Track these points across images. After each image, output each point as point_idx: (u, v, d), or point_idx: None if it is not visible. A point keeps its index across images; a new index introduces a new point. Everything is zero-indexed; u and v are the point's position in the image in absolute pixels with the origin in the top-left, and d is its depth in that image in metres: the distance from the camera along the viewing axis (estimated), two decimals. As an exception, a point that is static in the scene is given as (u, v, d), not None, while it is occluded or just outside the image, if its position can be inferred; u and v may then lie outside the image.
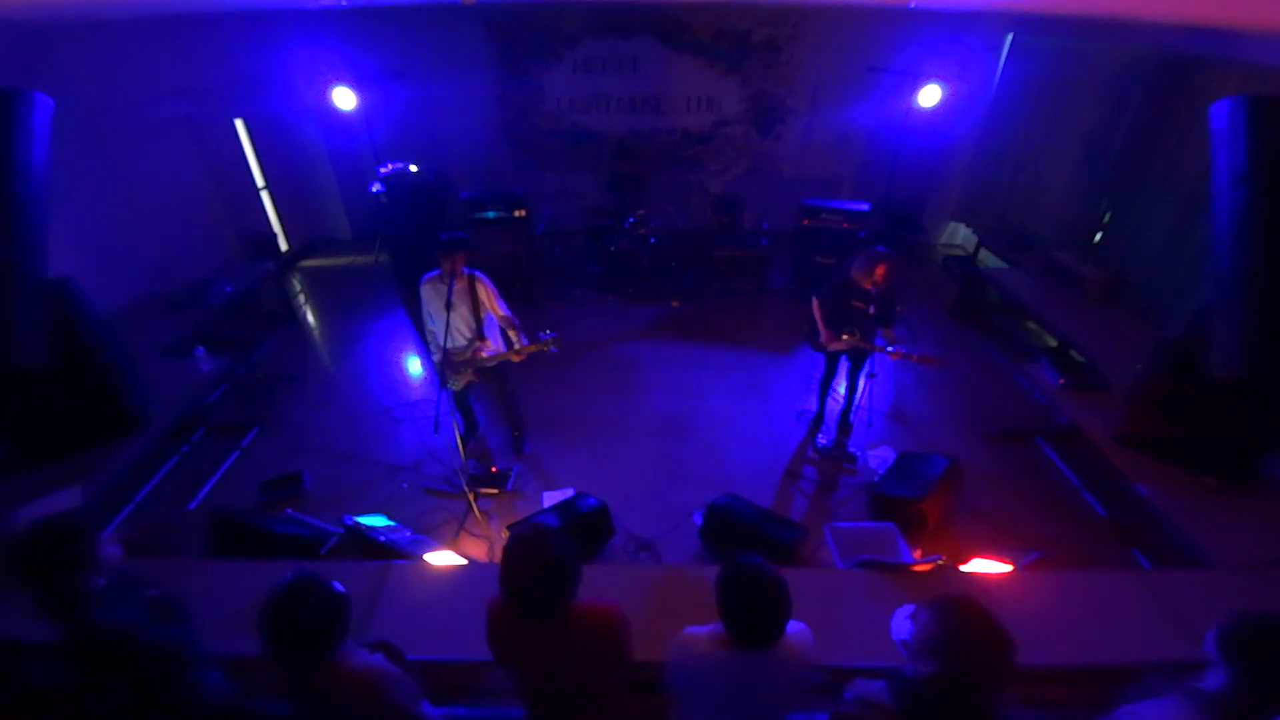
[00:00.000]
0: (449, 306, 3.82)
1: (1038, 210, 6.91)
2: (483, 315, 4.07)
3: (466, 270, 3.97)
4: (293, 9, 6.53)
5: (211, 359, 4.68)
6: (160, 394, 4.14)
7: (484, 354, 4.13)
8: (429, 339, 4.15)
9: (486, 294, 4.04)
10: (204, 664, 1.99)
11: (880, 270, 3.98)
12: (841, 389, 4.94)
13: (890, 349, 4.10)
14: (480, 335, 4.10)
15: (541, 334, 3.86)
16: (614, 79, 7.92)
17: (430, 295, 3.99)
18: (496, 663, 1.94)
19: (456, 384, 4.25)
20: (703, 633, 1.88)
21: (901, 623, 1.65)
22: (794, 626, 1.87)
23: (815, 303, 4.44)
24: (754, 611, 1.74)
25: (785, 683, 1.84)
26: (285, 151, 8.07)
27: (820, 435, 4.85)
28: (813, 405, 5.00)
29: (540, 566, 1.75)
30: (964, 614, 1.51)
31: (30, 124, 2.93)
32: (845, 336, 4.23)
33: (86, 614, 1.82)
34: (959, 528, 3.94)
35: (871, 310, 4.09)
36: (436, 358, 4.12)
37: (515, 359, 4.02)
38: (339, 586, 1.76)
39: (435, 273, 3.98)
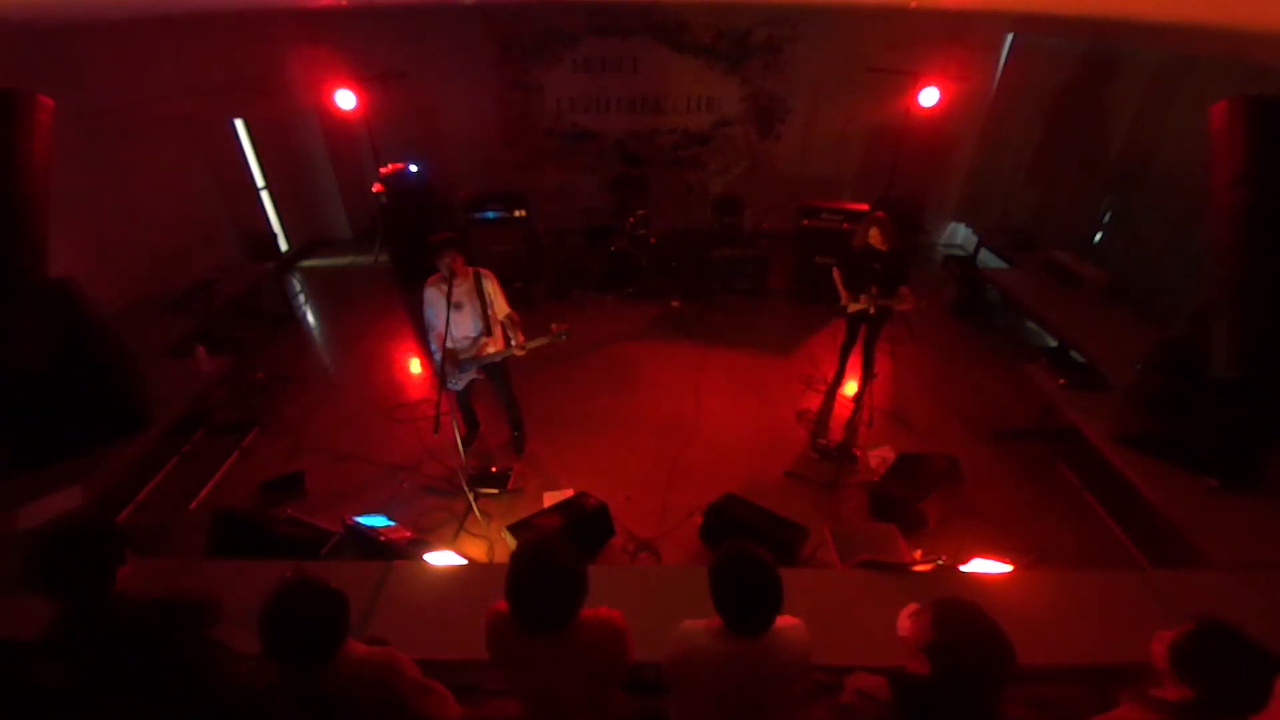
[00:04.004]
0: (456, 306, 3.92)
1: (1038, 210, 6.91)
2: (491, 312, 4.08)
3: (473, 269, 4.00)
4: (293, 9, 6.54)
5: (211, 359, 4.68)
6: (160, 394, 4.13)
7: (489, 350, 4.14)
8: (432, 340, 4.13)
9: (494, 290, 4.05)
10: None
11: (873, 233, 4.43)
12: (848, 389, 5.05)
13: (904, 300, 4.48)
14: (488, 332, 4.11)
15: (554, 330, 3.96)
16: (614, 79, 7.92)
17: (433, 297, 3.98)
18: (497, 669, 1.93)
19: (459, 383, 4.25)
20: (700, 624, 1.89)
21: (903, 622, 1.66)
22: (789, 621, 1.88)
23: (835, 271, 4.75)
24: (746, 594, 1.75)
25: (782, 674, 1.85)
26: (285, 151, 8.06)
27: (820, 436, 4.85)
28: (813, 405, 5.02)
29: (550, 580, 1.72)
30: (962, 619, 1.52)
31: (31, 124, 2.93)
32: (863, 297, 4.53)
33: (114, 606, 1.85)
34: (959, 528, 3.94)
35: (883, 269, 4.49)
36: (438, 357, 4.12)
37: (519, 353, 4.03)
38: (336, 588, 1.76)
39: (437, 274, 3.99)
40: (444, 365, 4.08)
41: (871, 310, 4.58)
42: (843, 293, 4.69)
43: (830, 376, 5.29)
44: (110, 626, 1.82)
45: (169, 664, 1.87)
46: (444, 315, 3.84)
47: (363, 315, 6.86)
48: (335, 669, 1.70)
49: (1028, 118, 7.02)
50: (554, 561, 1.74)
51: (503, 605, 1.81)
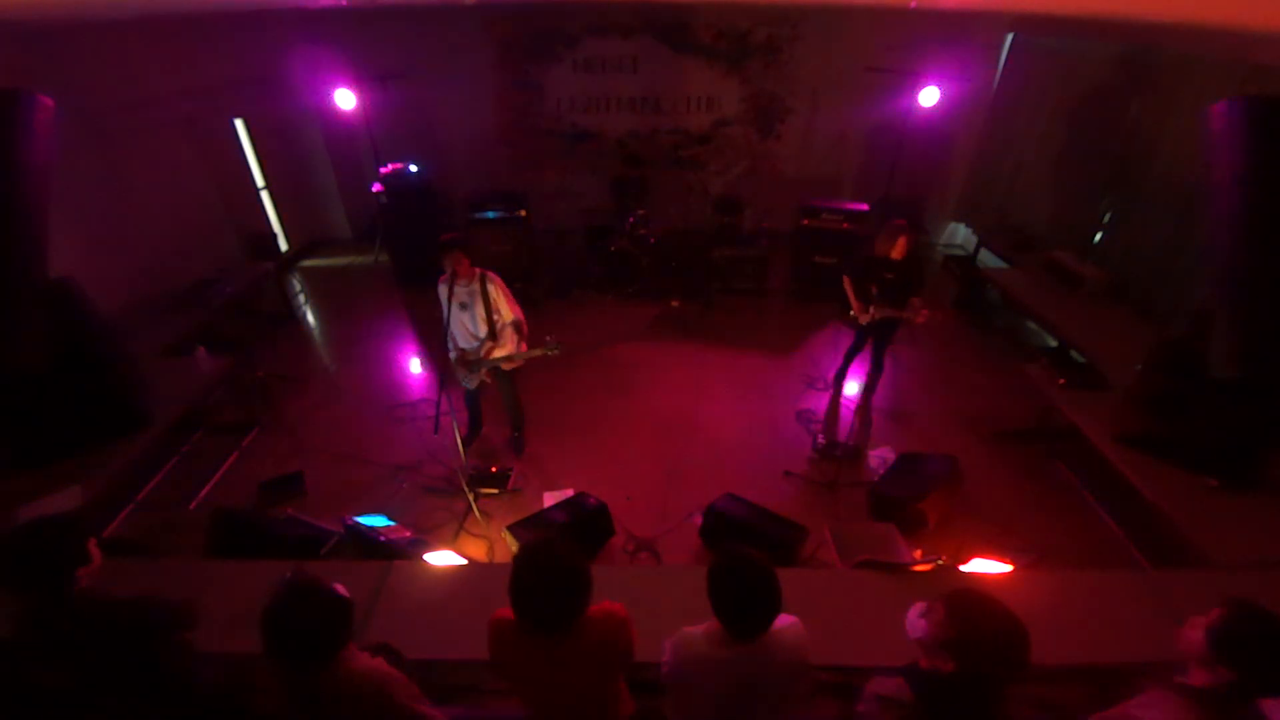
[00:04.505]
0: (462, 307, 3.96)
1: (1038, 210, 6.91)
2: (496, 316, 4.08)
3: (478, 270, 4.00)
4: (293, 9, 6.54)
5: (211, 359, 4.69)
6: (160, 394, 4.14)
7: (496, 354, 4.14)
8: (448, 338, 4.21)
9: (498, 294, 4.05)
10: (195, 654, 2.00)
11: (902, 241, 4.31)
12: (852, 389, 5.03)
13: (917, 313, 4.33)
14: (493, 336, 4.11)
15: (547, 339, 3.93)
16: (614, 79, 7.92)
17: (442, 296, 4.02)
18: (501, 678, 1.93)
19: (471, 383, 4.27)
20: (698, 631, 1.89)
21: (914, 622, 1.65)
22: (787, 620, 1.88)
23: (846, 280, 4.66)
24: (743, 598, 1.74)
25: (780, 677, 1.85)
26: (285, 151, 8.07)
27: (820, 435, 4.85)
28: (812, 405, 5.01)
29: (555, 581, 1.70)
30: (979, 610, 1.52)
31: (31, 124, 2.93)
32: (872, 308, 4.44)
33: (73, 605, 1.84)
34: (959, 528, 3.94)
35: (899, 279, 4.38)
36: (453, 356, 4.16)
37: (505, 367, 4.04)
38: (341, 589, 1.75)
39: (444, 275, 4.01)
40: (457, 365, 4.12)
41: (878, 317, 4.48)
42: (855, 303, 4.60)
43: (832, 377, 5.28)
44: (72, 625, 1.81)
45: (141, 665, 1.86)
46: (453, 315, 3.92)
47: (363, 315, 6.86)
48: (334, 673, 1.70)
49: (1027, 117, 7.02)
50: (558, 562, 1.72)
51: (505, 612, 1.81)
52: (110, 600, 1.91)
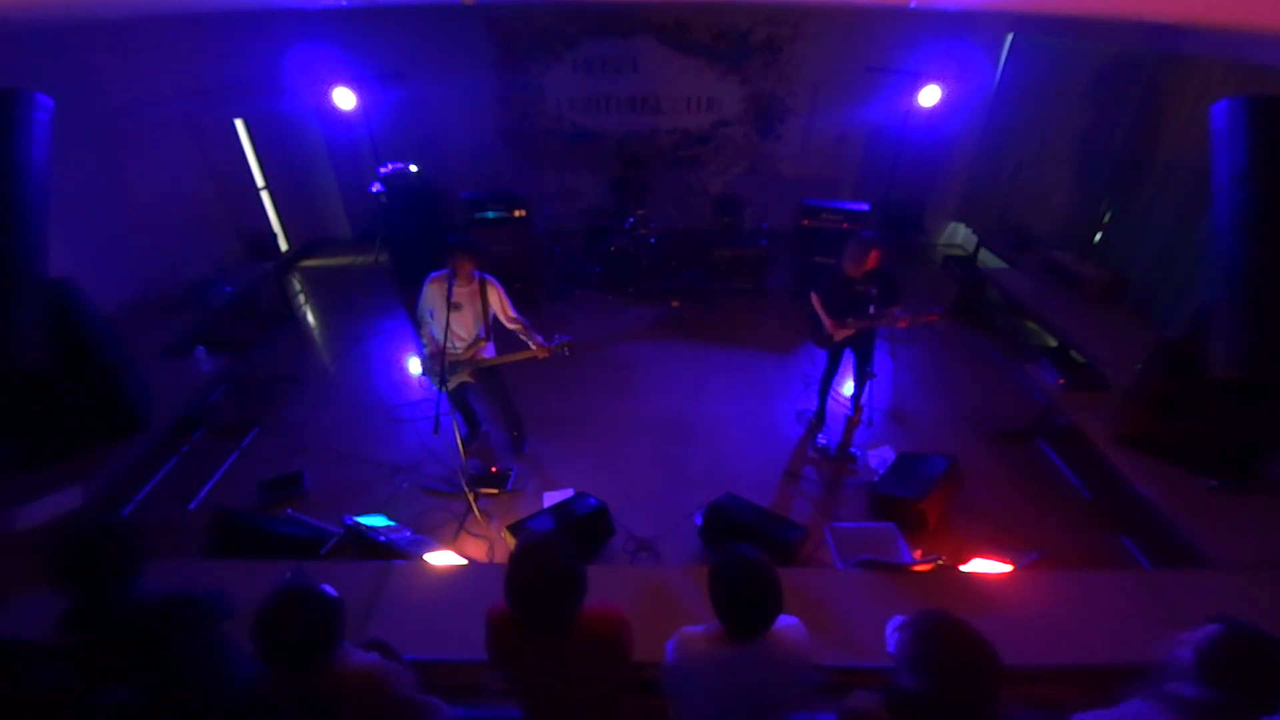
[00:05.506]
0: (455, 307, 3.88)
1: (1038, 210, 6.91)
2: (489, 319, 4.08)
3: (477, 274, 3.98)
4: (293, 9, 6.54)
5: (211, 359, 4.69)
6: (160, 394, 4.13)
7: (482, 355, 4.14)
8: (423, 336, 4.17)
9: (497, 299, 4.04)
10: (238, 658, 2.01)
11: (872, 256, 4.08)
12: (845, 389, 4.97)
13: (897, 316, 4.19)
14: (485, 336, 4.11)
15: (557, 337, 3.92)
16: (614, 79, 7.92)
17: (433, 294, 3.98)
18: (499, 669, 1.93)
19: (450, 383, 4.25)
20: (699, 631, 1.89)
21: (890, 635, 1.64)
22: (787, 621, 1.87)
23: (815, 297, 4.49)
24: (745, 599, 1.74)
25: (782, 677, 1.84)
26: (285, 151, 8.07)
27: (820, 435, 4.85)
28: (813, 405, 5.00)
29: (551, 581, 1.71)
30: (943, 634, 1.50)
31: (30, 124, 2.92)
32: (850, 321, 4.28)
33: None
34: (959, 528, 3.94)
35: (873, 292, 4.20)
36: (428, 350, 4.11)
37: (543, 355, 3.98)
38: (330, 591, 1.75)
39: (441, 272, 3.97)
40: (432, 364, 4.10)
41: (853, 331, 4.32)
42: (827, 320, 4.38)
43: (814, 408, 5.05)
44: (119, 624, 1.83)
45: (174, 660, 1.87)
46: (442, 314, 3.85)
47: (363, 315, 6.86)
48: (329, 675, 1.70)
49: (1028, 118, 7.02)
50: (552, 562, 1.73)
51: (504, 604, 1.80)
52: (147, 595, 1.93)
